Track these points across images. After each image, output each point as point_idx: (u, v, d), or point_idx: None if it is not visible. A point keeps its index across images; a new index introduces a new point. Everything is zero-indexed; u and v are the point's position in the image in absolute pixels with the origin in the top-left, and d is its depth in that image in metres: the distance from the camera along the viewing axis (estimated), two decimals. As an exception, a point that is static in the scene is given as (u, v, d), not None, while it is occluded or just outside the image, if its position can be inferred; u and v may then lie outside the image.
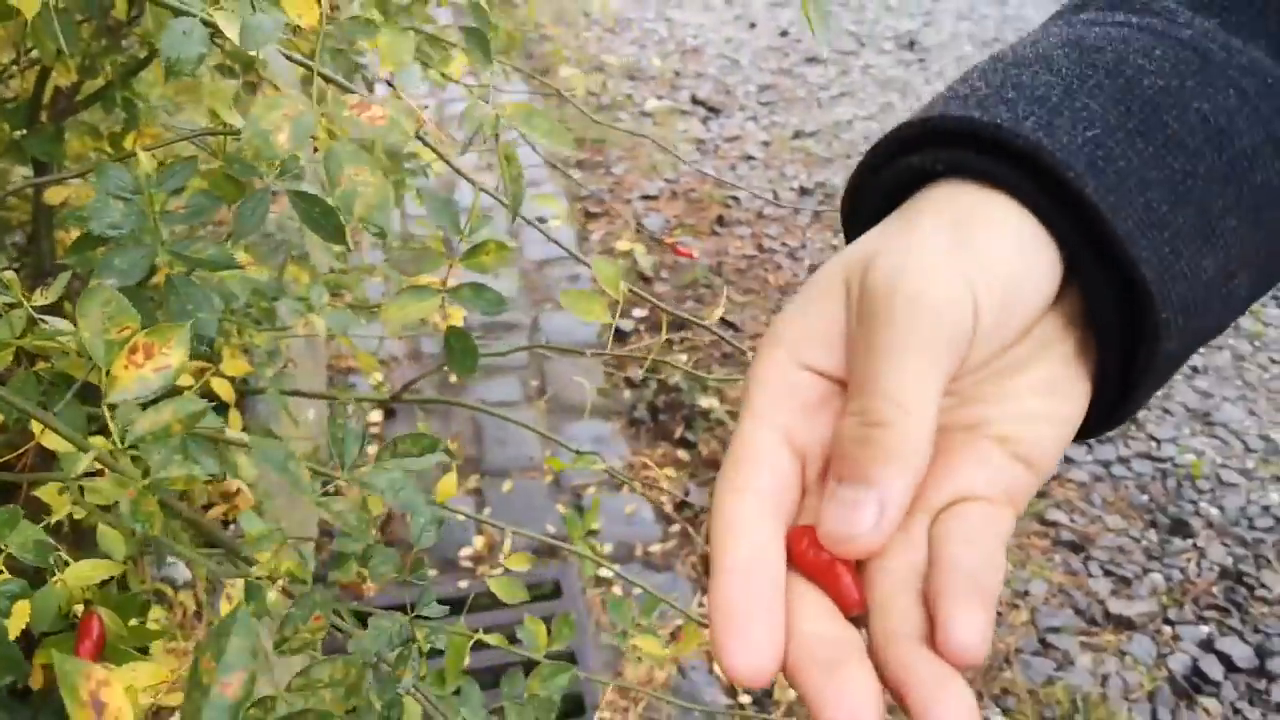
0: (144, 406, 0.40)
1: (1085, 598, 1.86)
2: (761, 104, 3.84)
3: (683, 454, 2.32)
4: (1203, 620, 1.81)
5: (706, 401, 2.41)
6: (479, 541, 2.08)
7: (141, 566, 0.69)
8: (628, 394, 2.51)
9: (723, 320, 2.69)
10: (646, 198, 3.20)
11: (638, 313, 2.69)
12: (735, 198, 3.17)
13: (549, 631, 0.80)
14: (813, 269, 2.99)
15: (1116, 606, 1.84)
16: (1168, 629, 1.79)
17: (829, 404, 0.32)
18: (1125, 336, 0.32)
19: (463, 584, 2.05)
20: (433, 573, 1.99)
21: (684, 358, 2.56)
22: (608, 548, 2.08)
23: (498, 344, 2.56)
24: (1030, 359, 0.32)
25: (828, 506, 0.29)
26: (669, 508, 2.15)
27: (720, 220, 3.08)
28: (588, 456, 0.99)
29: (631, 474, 2.21)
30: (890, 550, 0.30)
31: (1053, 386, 0.32)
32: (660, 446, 2.35)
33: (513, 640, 0.77)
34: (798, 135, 3.59)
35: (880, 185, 0.34)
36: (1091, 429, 0.35)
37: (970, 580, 0.27)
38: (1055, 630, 1.79)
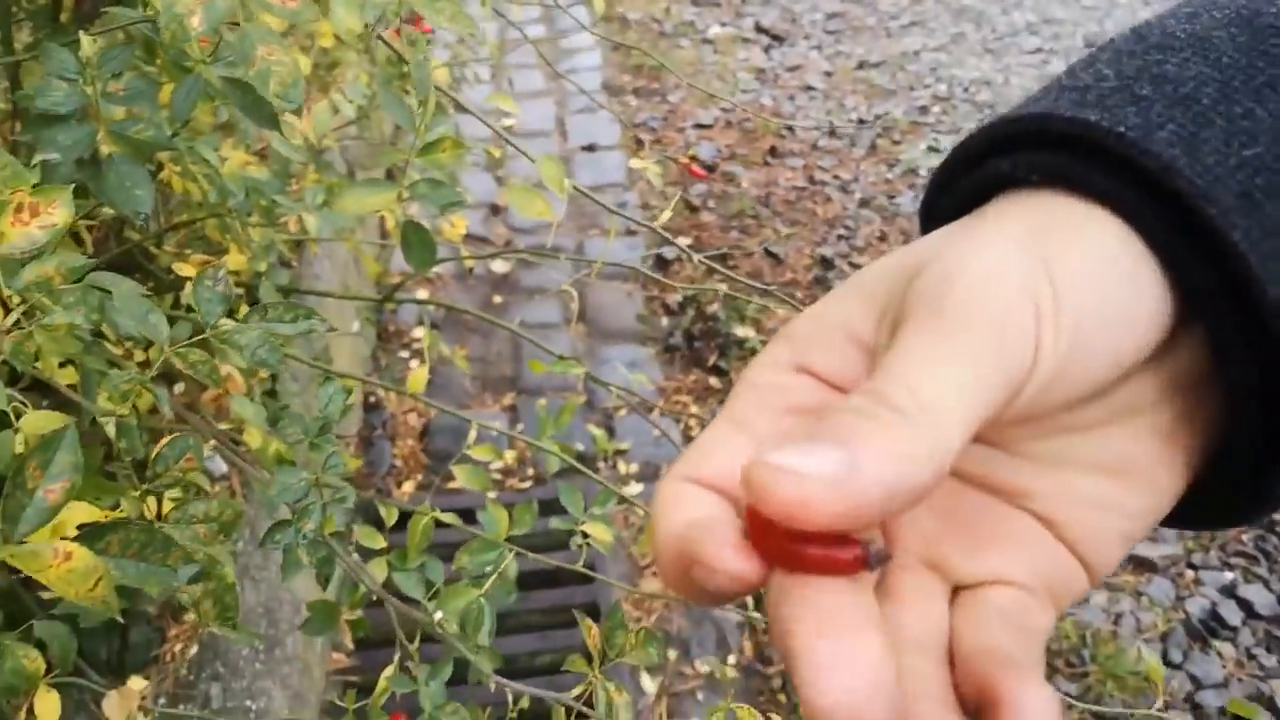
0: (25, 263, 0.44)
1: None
2: (827, 32, 3.73)
3: (714, 381, 2.34)
4: (1228, 566, 1.77)
5: (742, 331, 2.42)
6: (509, 455, 2.15)
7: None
8: (665, 321, 2.53)
9: (766, 251, 2.68)
10: (700, 126, 3.17)
11: (683, 240, 2.69)
12: (790, 128, 3.12)
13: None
14: (863, 203, 2.95)
15: (1140, 548, 1.81)
16: (1190, 573, 1.76)
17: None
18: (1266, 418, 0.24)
19: (491, 495, 2.13)
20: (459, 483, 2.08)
21: (723, 287, 2.55)
22: (634, 466, 2.13)
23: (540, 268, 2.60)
24: (1105, 426, 0.25)
25: (783, 445, 0.21)
26: (696, 432, 2.18)
27: (773, 151, 3.04)
28: (567, 361, 1.02)
29: (663, 398, 2.25)
30: (903, 594, 0.24)
31: (1128, 468, 0.26)
32: (693, 373, 2.37)
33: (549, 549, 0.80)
34: (862, 65, 3.50)
35: (962, 191, 0.27)
36: (1210, 519, 0.27)
37: (1026, 657, 0.23)
38: (1072, 568, 1.78)
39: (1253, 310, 0.22)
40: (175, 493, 0.44)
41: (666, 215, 0.71)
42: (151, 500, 0.48)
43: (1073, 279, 0.23)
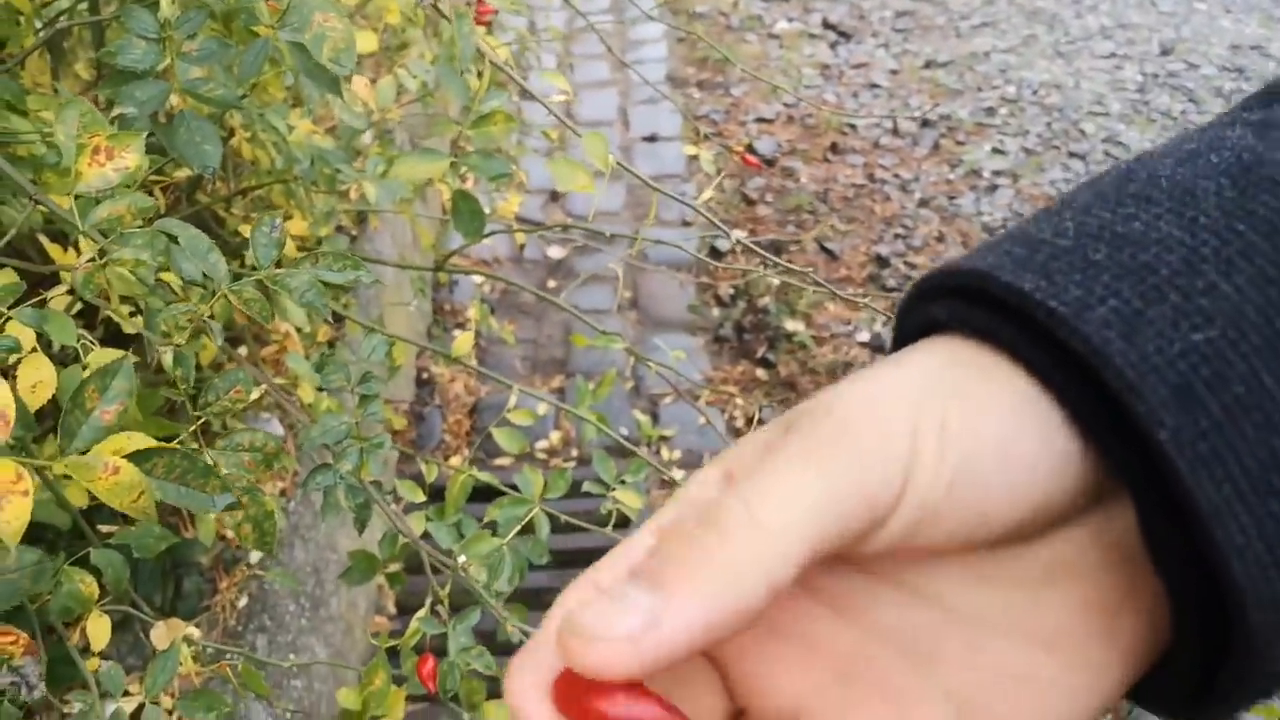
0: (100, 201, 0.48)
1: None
2: (896, 30, 3.70)
3: (761, 373, 2.35)
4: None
5: (792, 324, 2.42)
6: (555, 436, 2.19)
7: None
8: (716, 311, 2.54)
9: (821, 247, 2.67)
10: (761, 120, 3.17)
11: (737, 233, 2.70)
12: (852, 125, 3.10)
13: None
14: (923, 202, 2.92)
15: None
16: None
17: None
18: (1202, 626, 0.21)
19: (539, 473, 2.17)
20: (507, 461, 2.12)
21: (776, 282, 2.56)
22: (676, 453, 2.15)
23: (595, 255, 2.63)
24: (1036, 587, 0.23)
25: (594, 600, 0.21)
26: (741, 422, 2.19)
27: (834, 148, 3.03)
28: (610, 336, 1.04)
29: (710, 387, 2.26)
30: None
31: (1058, 640, 0.22)
32: (741, 364, 2.38)
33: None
34: (929, 65, 3.46)
35: (905, 331, 0.26)
36: (1167, 707, 0.23)
37: None
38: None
39: (1182, 514, 0.20)
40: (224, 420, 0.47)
41: (708, 194, 0.73)
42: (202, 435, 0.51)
43: (973, 409, 0.22)
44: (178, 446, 0.42)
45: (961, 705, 0.22)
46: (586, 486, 0.90)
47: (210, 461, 0.42)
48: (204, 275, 0.48)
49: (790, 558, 0.20)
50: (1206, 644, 0.21)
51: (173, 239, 0.58)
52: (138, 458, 0.42)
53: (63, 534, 0.85)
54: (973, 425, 0.21)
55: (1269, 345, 0.20)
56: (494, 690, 0.99)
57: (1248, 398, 0.20)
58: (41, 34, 0.97)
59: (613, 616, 0.20)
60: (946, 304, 0.24)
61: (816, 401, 0.23)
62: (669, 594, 0.20)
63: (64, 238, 0.92)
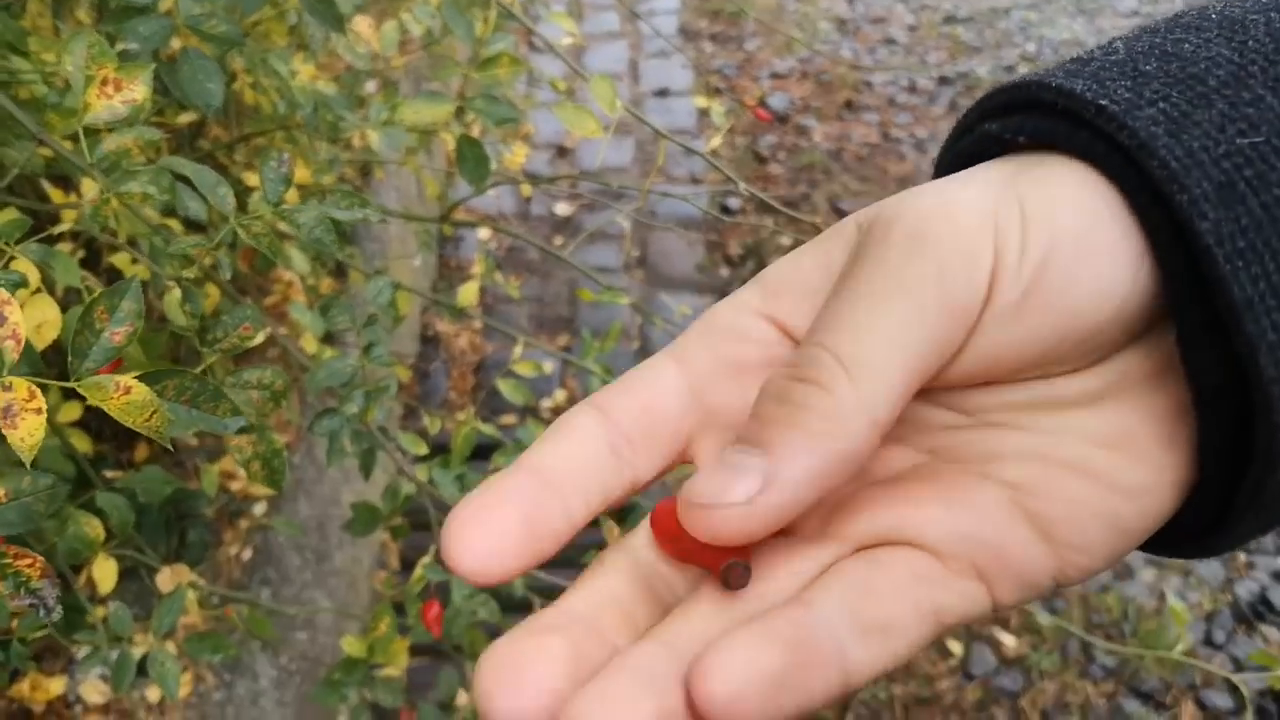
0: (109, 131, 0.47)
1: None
2: (914, -14, 3.63)
3: (770, 333, 2.34)
4: (1285, 552, 1.73)
5: (802, 284, 2.41)
6: (560, 394, 2.18)
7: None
8: (725, 271, 2.52)
9: (833, 206, 2.64)
10: (775, 76, 3.12)
11: (746, 186, 2.67)
12: (868, 82, 3.06)
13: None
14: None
15: (1192, 528, 1.78)
16: (1243, 556, 1.72)
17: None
18: (1234, 437, 0.21)
19: (544, 428, 2.16)
20: (512, 419, 2.12)
21: (787, 242, 2.54)
22: (682, 413, 2.15)
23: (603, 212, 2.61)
24: (1101, 400, 0.23)
25: (702, 469, 0.21)
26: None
27: (849, 104, 2.98)
28: (614, 291, 1.03)
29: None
30: (775, 565, 0.22)
31: (1123, 442, 0.22)
32: (749, 324, 2.37)
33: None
34: (948, 20, 3.40)
35: (959, 155, 0.26)
36: (1182, 544, 0.24)
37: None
38: (1120, 542, 1.75)
39: (1214, 308, 0.20)
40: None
41: (716, 141, 0.71)
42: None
43: (1049, 202, 0.21)
44: (183, 368, 0.42)
45: (1018, 489, 0.22)
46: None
47: (219, 386, 0.41)
48: (209, 217, 0.47)
49: (890, 395, 0.20)
50: (1224, 466, 0.21)
51: (179, 178, 0.57)
52: (147, 378, 0.42)
53: (68, 482, 0.85)
54: (1051, 215, 0.21)
55: None
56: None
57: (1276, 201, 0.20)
58: (41, -28, 0.95)
59: (727, 483, 0.20)
60: (999, 121, 0.24)
61: (876, 218, 0.22)
62: (777, 455, 0.20)
63: (66, 182, 0.90)
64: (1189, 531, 0.23)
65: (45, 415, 0.37)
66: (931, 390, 0.23)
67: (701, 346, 0.24)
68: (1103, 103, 0.21)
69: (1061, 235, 0.21)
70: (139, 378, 0.36)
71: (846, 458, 0.20)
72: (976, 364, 0.22)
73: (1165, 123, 0.21)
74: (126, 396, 0.35)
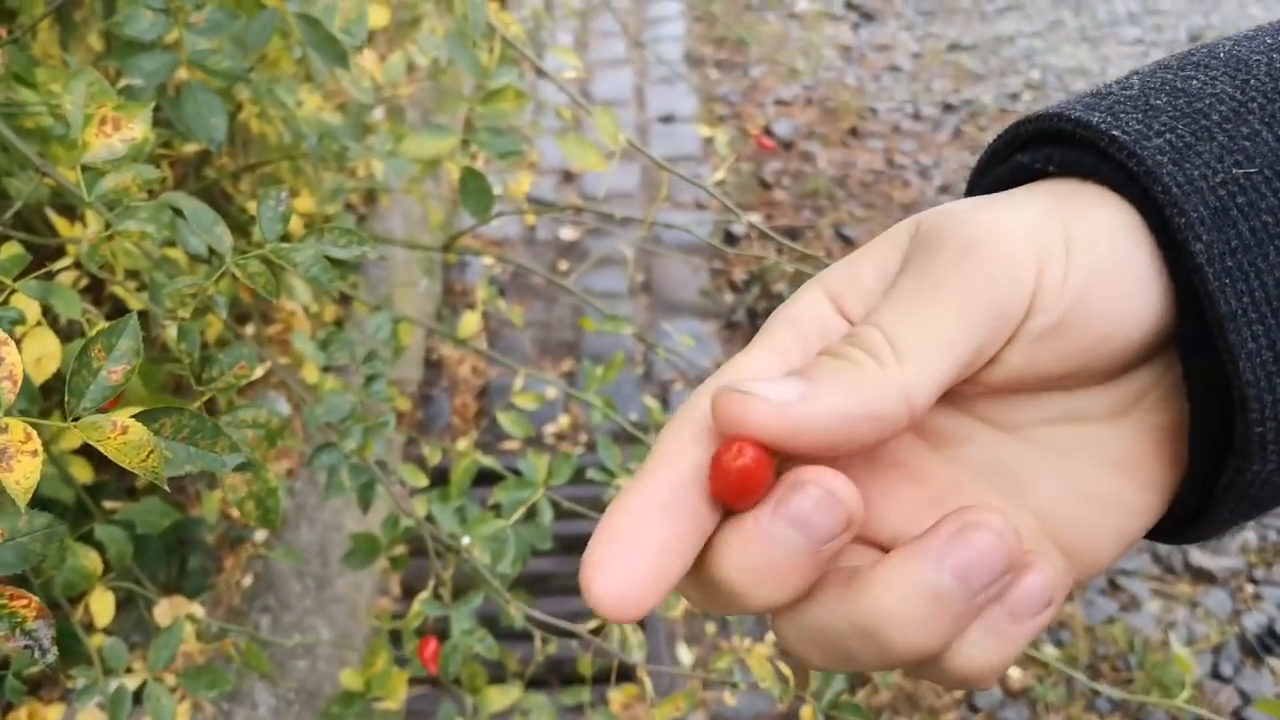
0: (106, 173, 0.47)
1: (1167, 546, 1.79)
2: (920, 13, 3.65)
3: (775, 359, 2.33)
4: (1293, 584, 1.71)
5: (807, 310, 2.40)
6: (564, 420, 2.18)
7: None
8: (729, 297, 2.52)
9: (838, 233, 2.65)
10: (780, 102, 3.14)
11: (750, 216, 2.68)
12: (873, 109, 3.07)
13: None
14: (943, 189, 2.88)
15: (1199, 559, 1.76)
16: (1250, 587, 1.70)
17: None
18: (1218, 440, 0.24)
19: (545, 457, 2.16)
20: (515, 444, 2.11)
21: (791, 269, 2.53)
22: (686, 439, 2.14)
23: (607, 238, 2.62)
24: (1111, 419, 0.26)
25: (754, 379, 0.23)
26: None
27: (853, 131, 2.99)
28: (617, 320, 1.03)
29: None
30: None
31: (1130, 464, 0.25)
32: (753, 350, 2.37)
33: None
34: (953, 48, 3.41)
35: (995, 179, 0.28)
36: (1167, 532, 0.27)
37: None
38: (1127, 573, 1.73)
39: (1205, 324, 0.23)
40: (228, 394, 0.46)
41: (721, 174, 0.71)
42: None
43: (1091, 232, 0.24)
44: (181, 405, 0.41)
45: (1046, 521, 0.25)
46: (590, 474, 0.89)
47: (216, 423, 0.41)
48: (209, 251, 0.47)
49: (930, 384, 0.22)
50: (1211, 459, 0.24)
51: (178, 212, 0.57)
52: (144, 416, 0.41)
53: (67, 509, 0.85)
54: (1093, 243, 0.24)
55: None
56: (496, 674, 0.98)
57: (1275, 226, 0.23)
58: (51, 3, 0.96)
59: (769, 386, 0.22)
60: (1029, 152, 0.26)
61: (932, 227, 0.25)
62: (818, 385, 0.22)
63: (71, 211, 0.91)
64: (1179, 520, 0.26)
65: (41, 457, 0.37)
66: (960, 397, 0.26)
67: (790, 339, 0.26)
68: (1115, 133, 0.24)
69: (1101, 263, 0.23)
70: (136, 416, 0.36)
71: (876, 415, 0.22)
72: (1008, 374, 0.24)
73: (1170, 152, 0.23)
74: (123, 436, 0.35)
